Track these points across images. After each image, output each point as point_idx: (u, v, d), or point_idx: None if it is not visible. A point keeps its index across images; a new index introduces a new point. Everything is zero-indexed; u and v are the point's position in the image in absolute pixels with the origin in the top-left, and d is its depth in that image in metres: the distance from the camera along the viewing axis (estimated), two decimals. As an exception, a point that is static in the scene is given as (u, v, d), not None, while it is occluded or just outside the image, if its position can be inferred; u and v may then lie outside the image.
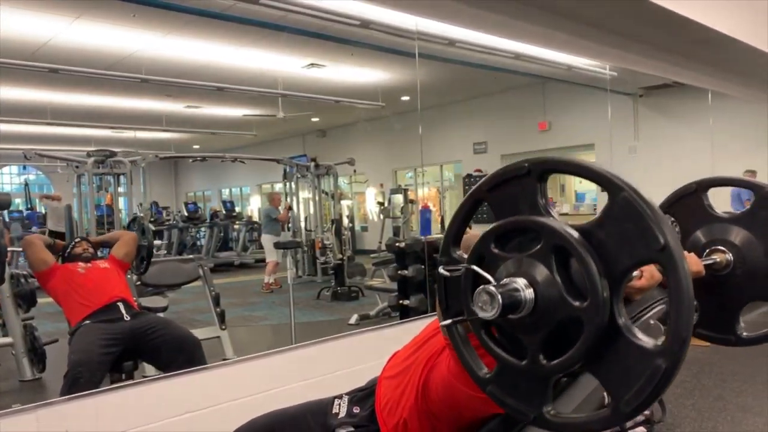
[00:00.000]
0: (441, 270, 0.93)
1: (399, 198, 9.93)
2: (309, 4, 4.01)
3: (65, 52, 6.65)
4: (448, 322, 0.92)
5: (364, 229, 12.79)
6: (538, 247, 0.80)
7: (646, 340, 0.75)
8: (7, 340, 3.99)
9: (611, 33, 4.65)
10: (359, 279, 7.54)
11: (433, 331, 1.35)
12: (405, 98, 9.18)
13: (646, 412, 2.92)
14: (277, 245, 7.31)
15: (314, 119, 11.95)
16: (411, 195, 9.87)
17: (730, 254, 1.23)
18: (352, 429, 1.38)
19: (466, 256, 0.91)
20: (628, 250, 0.76)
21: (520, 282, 0.79)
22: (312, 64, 7.95)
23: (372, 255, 8.98)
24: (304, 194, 9.81)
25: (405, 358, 1.40)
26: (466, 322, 0.90)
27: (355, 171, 10.13)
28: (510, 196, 0.87)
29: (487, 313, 0.79)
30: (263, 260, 8.66)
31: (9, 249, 3.80)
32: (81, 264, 3.16)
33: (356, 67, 8.10)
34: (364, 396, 1.45)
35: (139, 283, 4.01)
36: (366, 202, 13.16)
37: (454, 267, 0.91)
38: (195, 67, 7.62)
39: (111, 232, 3.76)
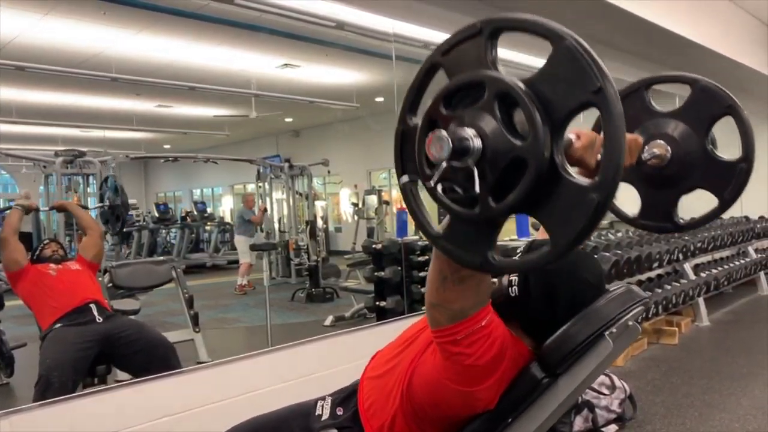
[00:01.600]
0: (396, 133, 0.95)
1: (373, 199, 9.94)
2: (285, 5, 3.99)
3: (33, 49, 6.50)
4: (405, 179, 0.94)
5: (338, 230, 12.77)
6: (484, 97, 0.83)
7: (581, 179, 0.79)
8: (-26, 344, 3.90)
9: (585, 39, 4.74)
10: (334, 280, 7.52)
11: (418, 332, 1.35)
12: (379, 99, 9.20)
13: (618, 410, 2.99)
14: (253, 247, 7.26)
15: (288, 119, 11.89)
16: (385, 196, 9.89)
17: (669, 146, 1.27)
18: (335, 430, 1.36)
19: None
20: (568, 94, 0.79)
21: (469, 131, 0.81)
22: (286, 65, 7.91)
23: (346, 256, 8.98)
24: (278, 195, 9.75)
25: (389, 359, 1.40)
26: (419, 182, 0.93)
27: (329, 172, 10.10)
28: (463, 57, 0.88)
29: (440, 156, 0.82)
30: (236, 262, 8.59)
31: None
32: (52, 266, 3.10)
33: (331, 68, 8.08)
34: (346, 396, 1.44)
35: (110, 285, 3.95)
36: (340, 203, 13.14)
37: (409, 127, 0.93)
38: (167, 66, 7.51)
39: (83, 212, 3.65)
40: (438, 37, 4.72)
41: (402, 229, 4.93)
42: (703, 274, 5.36)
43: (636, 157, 1.20)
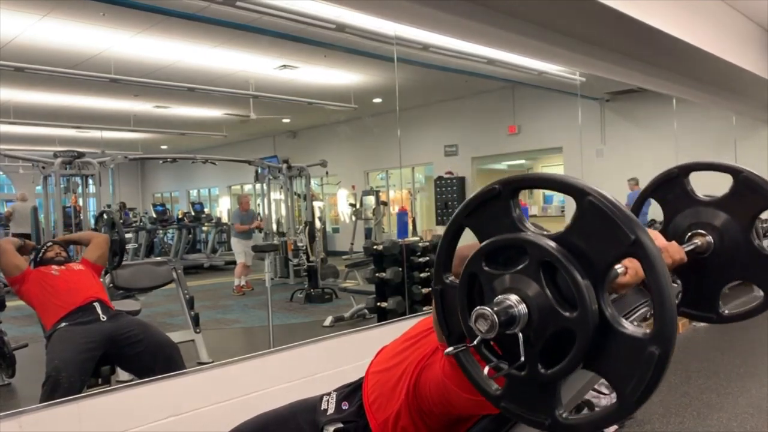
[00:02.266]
0: (435, 293, 0.97)
1: (371, 200, 9.97)
2: (285, 7, 4.01)
3: (32, 50, 6.51)
4: (452, 350, 0.95)
5: (336, 230, 12.78)
6: (526, 263, 0.84)
7: (636, 330, 0.79)
8: (-25, 345, 3.90)
9: (581, 41, 4.77)
10: (332, 281, 7.54)
11: (426, 330, 1.38)
12: (377, 100, 9.22)
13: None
14: (255, 248, 7.27)
15: (285, 120, 11.90)
16: (383, 197, 9.91)
17: (711, 237, 1.28)
18: (341, 425, 1.38)
19: (456, 279, 0.95)
20: (604, 249, 0.80)
21: (513, 298, 0.83)
22: (284, 66, 7.93)
23: (344, 257, 9.00)
24: (276, 196, 9.76)
25: (395, 354, 1.42)
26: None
27: (327, 173, 10.12)
28: (487, 217, 0.91)
29: (486, 334, 0.83)
30: (233, 262, 8.60)
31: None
32: (54, 267, 3.12)
33: (329, 69, 8.11)
34: (351, 391, 1.46)
35: (111, 285, 3.97)
36: (338, 203, 13.16)
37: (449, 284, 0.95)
38: (165, 67, 7.52)
39: (81, 232, 3.71)
40: (436, 38, 4.76)
41: (402, 230, 4.96)
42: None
43: (676, 264, 1.18)
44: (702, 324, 5.22)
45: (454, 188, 11.02)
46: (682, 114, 7.68)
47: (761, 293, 1.27)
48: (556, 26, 4.42)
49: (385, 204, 9.64)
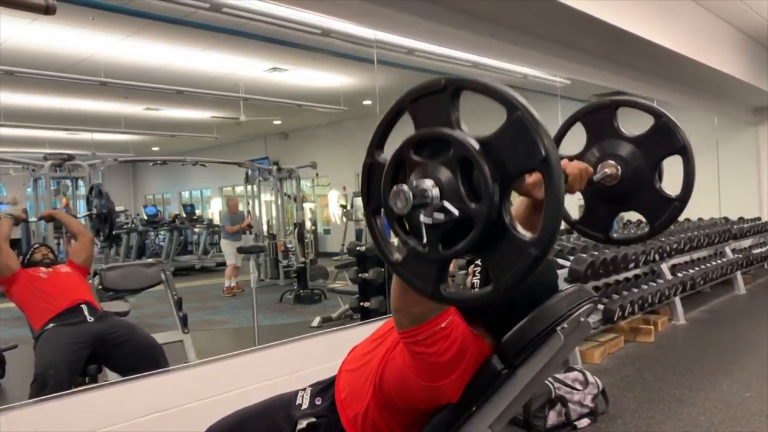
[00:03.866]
0: (364, 167, 1.07)
1: (358, 200, 10.03)
2: (270, 13, 4.08)
3: (21, 54, 6.54)
4: (368, 211, 1.05)
5: (327, 232, 12.84)
6: (448, 155, 0.94)
7: (524, 234, 0.90)
8: (-34, 346, 3.96)
9: (561, 45, 4.88)
10: (322, 282, 7.60)
11: (390, 330, 1.46)
12: (367, 102, 9.29)
13: (590, 405, 3.12)
14: (240, 250, 7.34)
15: (276, 122, 11.95)
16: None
17: (619, 168, 1.39)
18: (314, 419, 1.46)
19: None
20: (518, 159, 0.91)
21: (428, 183, 0.93)
22: (274, 68, 7.99)
23: (335, 258, 9.07)
24: (267, 197, 9.82)
25: (364, 354, 1.51)
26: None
27: (317, 174, 10.19)
28: (428, 108, 1.00)
29: (401, 209, 0.93)
30: (224, 264, 8.66)
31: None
32: (42, 269, 3.19)
33: (318, 72, 8.17)
34: (324, 387, 1.55)
35: (100, 287, 4.02)
36: (329, 205, 13.22)
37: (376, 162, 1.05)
38: (155, 70, 7.57)
39: (72, 218, 3.76)
40: (421, 43, 4.85)
41: (387, 232, 5.04)
42: (680, 274, 5.51)
43: (584, 184, 1.30)
44: (681, 322, 5.34)
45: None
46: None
47: (648, 226, 1.42)
48: (536, 32, 4.53)
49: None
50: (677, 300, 5.36)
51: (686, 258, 5.98)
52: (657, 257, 5.13)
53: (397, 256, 1.03)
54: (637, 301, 4.51)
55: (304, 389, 1.59)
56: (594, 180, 1.36)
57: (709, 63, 5.60)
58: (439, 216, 0.92)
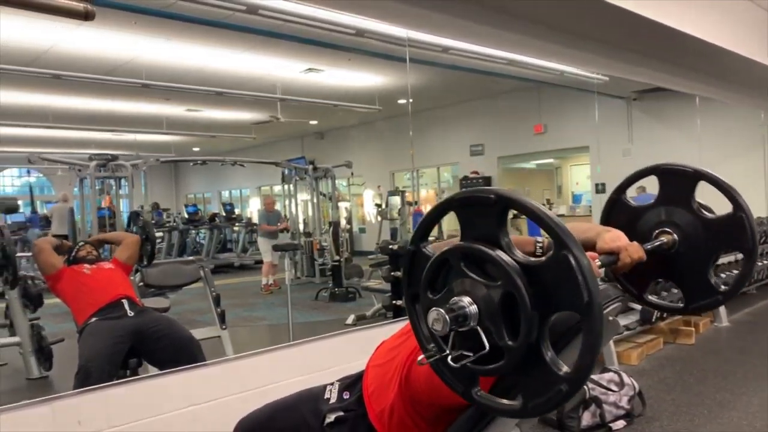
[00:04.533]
0: (408, 252, 1.11)
1: (396, 200, 10.06)
2: (305, 14, 4.15)
3: (68, 58, 6.79)
4: (408, 296, 1.10)
5: (362, 230, 12.92)
6: (497, 283, 0.96)
7: (560, 365, 0.93)
8: (15, 339, 4.14)
9: (600, 43, 4.79)
10: (356, 280, 7.66)
11: None
12: (401, 101, 9.31)
13: (626, 407, 3.07)
14: (276, 247, 7.44)
15: (312, 122, 12.09)
16: (408, 197, 9.99)
17: (677, 241, 1.36)
18: (342, 413, 1.48)
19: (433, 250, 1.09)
20: (560, 297, 0.92)
21: (466, 300, 0.96)
22: (310, 69, 8.09)
23: (370, 256, 9.12)
24: (303, 196, 9.94)
25: (391, 349, 1.52)
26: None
27: (352, 173, 10.26)
28: (475, 215, 1.02)
29: (440, 331, 0.97)
30: (262, 261, 8.80)
31: (19, 255, 3.93)
32: (86, 266, 3.31)
33: (353, 72, 8.24)
34: (352, 382, 1.56)
35: (141, 284, 4.14)
36: (364, 204, 13.29)
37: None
38: (195, 72, 7.75)
39: (114, 232, 3.92)
40: (454, 41, 4.84)
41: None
42: (722, 275, 5.35)
43: (642, 255, 1.28)
44: (724, 324, 5.19)
45: (481, 189, 11.03)
46: (705, 112, 7.60)
47: (682, 302, 1.41)
48: (573, 29, 4.45)
49: (411, 204, 9.73)
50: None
51: (730, 258, 5.80)
52: (698, 257, 4.99)
53: (433, 346, 1.04)
54: (676, 302, 4.39)
55: (332, 383, 1.61)
56: (651, 251, 1.33)
57: (754, 57, 5.41)
58: (469, 353, 0.96)
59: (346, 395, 1.54)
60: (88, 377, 2.56)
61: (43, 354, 4.14)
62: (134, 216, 4.59)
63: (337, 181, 9.82)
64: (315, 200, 9.30)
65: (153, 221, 10.87)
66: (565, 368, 0.92)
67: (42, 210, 11.84)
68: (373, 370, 1.53)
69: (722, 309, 5.24)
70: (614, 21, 4.22)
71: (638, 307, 4.18)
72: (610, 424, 2.97)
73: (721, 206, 1.38)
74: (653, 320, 4.16)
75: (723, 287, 1.36)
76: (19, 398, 2.04)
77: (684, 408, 3.23)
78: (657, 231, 1.39)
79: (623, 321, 4.16)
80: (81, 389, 2.23)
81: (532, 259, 0.97)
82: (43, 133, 10.78)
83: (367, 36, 4.70)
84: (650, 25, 4.25)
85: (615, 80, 7.22)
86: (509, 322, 0.95)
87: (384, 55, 6.17)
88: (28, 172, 15.01)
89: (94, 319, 2.94)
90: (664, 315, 4.27)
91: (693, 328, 4.70)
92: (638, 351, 4.15)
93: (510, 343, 0.94)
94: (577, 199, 12.46)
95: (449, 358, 1.00)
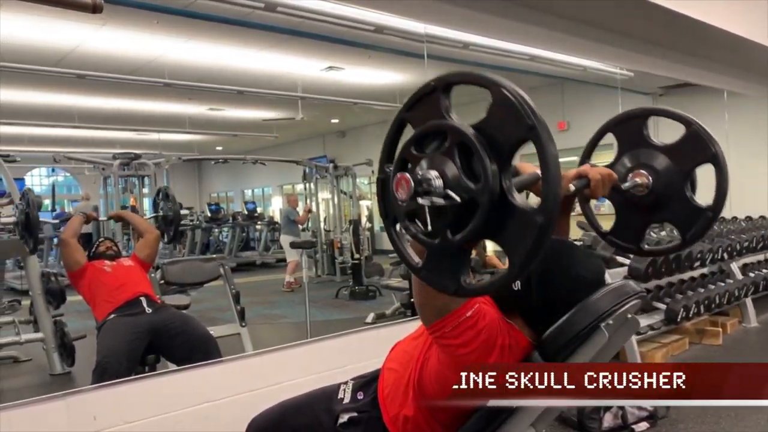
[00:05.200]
0: (378, 181, 1.10)
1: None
2: (323, 11, 4.13)
3: (92, 58, 6.87)
4: (387, 223, 1.08)
5: (383, 229, 12.88)
6: (446, 145, 0.97)
7: (525, 204, 0.92)
8: (39, 335, 4.20)
9: (624, 36, 4.69)
10: (377, 278, 7.63)
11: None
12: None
13: (650, 408, 2.99)
14: (293, 244, 7.46)
15: (334, 120, 12.09)
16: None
17: (650, 177, 1.38)
18: (355, 414, 1.46)
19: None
20: (508, 133, 0.93)
21: (432, 173, 0.95)
22: (330, 67, 8.08)
23: (391, 255, 9.09)
24: (324, 195, 9.95)
25: (404, 352, 1.49)
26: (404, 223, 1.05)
27: (373, 172, 10.23)
28: (423, 111, 1.03)
29: (404, 198, 0.96)
30: (284, 260, 8.82)
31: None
32: (107, 262, 3.34)
33: (374, 70, 8.20)
34: (366, 382, 1.54)
35: (162, 281, 4.17)
36: (385, 202, 13.24)
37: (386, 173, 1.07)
38: (217, 71, 7.79)
39: (137, 216, 3.97)
40: (473, 36, 4.79)
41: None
42: (751, 274, 5.22)
43: (608, 190, 1.32)
44: (753, 325, 5.06)
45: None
46: (733, 106, 7.41)
47: (680, 237, 1.41)
48: (595, 22, 4.37)
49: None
50: (748, 301, 5.07)
51: (759, 257, 5.65)
52: (725, 256, 4.87)
53: (418, 259, 1.04)
54: (702, 301, 4.29)
55: (346, 382, 1.59)
56: (624, 189, 1.36)
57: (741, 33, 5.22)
58: (439, 200, 0.94)
59: (360, 396, 1.52)
60: (105, 373, 2.58)
61: (66, 350, 4.20)
62: (159, 193, 4.62)
63: (358, 180, 9.80)
64: (336, 198, 9.29)
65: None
66: (530, 205, 0.92)
67: (68, 209, 12.04)
68: (388, 372, 1.50)
69: (751, 309, 5.10)
70: (639, 13, 4.14)
71: (662, 306, 4.09)
72: (633, 426, 2.90)
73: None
74: (678, 320, 4.06)
75: (707, 205, 1.39)
76: (43, 393, 2.05)
77: (710, 410, 3.14)
78: (629, 176, 1.40)
79: (647, 321, 4.07)
80: (95, 385, 2.25)
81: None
82: (69, 132, 10.95)
83: (386, 33, 4.66)
84: (675, 17, 4.16)
85: (640, 76, 7.07)
86: (474, 178, 0.94)
87: (403, 52, 6.13)
88: (53, 170, 15.29)
89: (112, 316, 2.97)
90: (690, 314, 4.17)
91: (720, 329, 4.59)
92: (663, 351, 4.06)
93: (473, 186, 0.93)
94: (600, 199, 12.30)
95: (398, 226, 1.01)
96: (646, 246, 1.46)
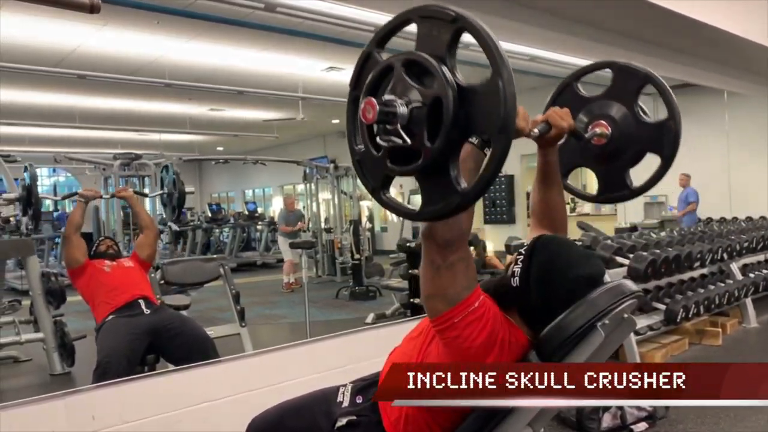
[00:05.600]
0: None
1: (418, 198, 10.00)
2: (322, 11, 4.13)
3: (93, 59, 6.88)
4: (352, 96, 1.15)
5: (384, 229, 12.89)
6: (429, 87, 1.01)
7: (461, 183, 1.01)
8: (39, 335, 4.21)
9: (624, 37, 4.70)
10: (377, 279, 7.64)
11: (424, 328, 1.44)
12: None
13: (649, 408, 2.99)
14: (292, 245, 7.46)
15: (335, 120, 12.10)
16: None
17: (606, 124, 1.46)
18: (354, 418, 1.44)
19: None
20: (481, 119, 0.99)
21: (399, 103, 1.01)
22: (331, 68, 8.09)
23: (391, 255, 9.10)
24: (325, 195, 9.96)
25: (403, 353, 1.49)
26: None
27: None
28: (432, 32, 1.05)
29: (369, 119, 1.01)
30: (284, 260, 8.84)
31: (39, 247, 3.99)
32: (107, 262, 3.34)
33: (374, 70, 8.21)
34: (366, 386, 1.52)
35: (162, 281, 4.18)
36: (386, 202, 13.24)
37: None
38: (217, 71, 7.80)
39: (142, 209, 3.94)
40: (469, 38, 4.80)
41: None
42: (751, 275, 5.22)
43: (569, 125, 1.38)
44: (753, 325, 5.05)
45: (503, 186, 10.95)
46: (733, 107, 7.41)
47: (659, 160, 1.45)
48: (597, 23, 4.38)
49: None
50: (748, 302, 5.07)
51: (759, 257, 5.65)
52: (725, 256, 4.87)
53: (361, 146, 1.10)
54: (702, 301, 4.29)
55: (345, 385, 1.58)
56: (587, 138, 1.45)
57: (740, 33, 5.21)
58: (396, 140, 1.01)
59: (359, 399, 1.51)
60: (106, 374, 2.59)
61: (66, 350, 4.20)
62: (165, 169, 4.62)
63: (358, 180, 9.80)
64: (336, 199, 9.30)
65: (177, 219, 10.99)
66: (464, 185, 1.00)
67: (69, 209, 12.05)
68: None
69: (751, 310, 5.10)
70: (639, 14, 4.14)
71: (662, 306, 4.09)
72: (632, 426, 2.90)
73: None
74: (678, 320, 4.06)
75: (635, 185, 1.48)
76: (43, 393, 2.05)
77: (709, 410, 3.14)
78: (595, 122, 1.47)
79: (647, 321, 4.07)
80: (94, 385, 2.25)
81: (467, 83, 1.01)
82: (70, 133, 10.98)
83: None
84: (675, 17, 4.16)
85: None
86: (431, 130, 0.99)
87: (404, 52, 6.14)
88: (54, 171, 15.31)
89: (111, 317, 2.98)
90: (690, 315, 4.16)
91: (720, 329, 4.58)
92: (662, 352, 4.05)
93: (428, 144, 0.99)
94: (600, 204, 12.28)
95: (372, 149, 1.06)
96: (634, 185, 1.51)
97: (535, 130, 1.33)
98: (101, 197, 3.56)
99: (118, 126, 10.98)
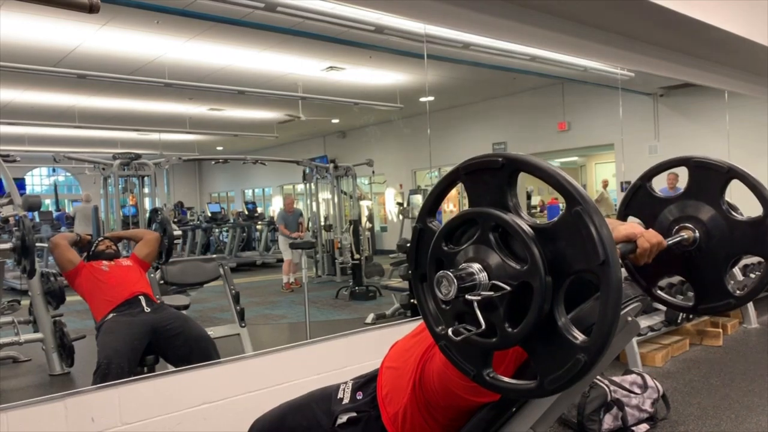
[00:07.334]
0: (415, 230, 1.07)
1: (418, 198, 10.01)
2: (323, 10, 4.12)
3: (92, 58, 6.87)
4: (416, 277, 1.05)
5: (384, 229, 12.88)
6: (478, 233, 0.93)
7: (576, 334, 0.86)
8: (38, 335, 4.20)
9: (625, 37, 4.68)
10: (377, 279, 7.63)
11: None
12: (423, 99, 9.26)
13: (649, 410, 2.98)
14: (292, 245, 7.46)
15: (334, 121, 12.09)
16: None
17: (693, 227, 1.31)
18: (354, 414, 1.45)
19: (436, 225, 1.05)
20: (574, 257, 0.86)
21: (475, 267, 0.91)
22: (331, 67, 8.08)
23: (391, 255, 9.09)
24: (325, 195, 9.95)
25: (404, 351, 1.48)
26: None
27: (374, 172, 10.23)
28: (483, 183, 0.97)
29: (446, 294, 0.91)
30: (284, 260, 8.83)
31: (38, 245, 3.99)
32: (105, 262, 3.33)
33: (374, 70, 8.20)
34: (365, 382, 1.53)
35: (162, 282, 4.17)
36: (386, 202, 13.26)
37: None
38: (217, 71, 7.79)
39: (135, 229, 3.95)
40: (475, 36, 4.77)
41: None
42: (752, 275, 5.20)
43: (662, 242, 1.22)
44: (754, 326, 5.04)
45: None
46: (734, 107, 7.40)
47: (693, 301, 1.33)
48: (596, 22, 4.36)
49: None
50: (749, 303, 5.06)
51: (759, 258, 5.63)
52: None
53: (442, 327, 1.00)
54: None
55: (345, 383, 1.59)
56: (671, 246, 1.27)
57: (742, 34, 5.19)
58: (487, 293, 0.89)
59: (359, 396, 1.51)
60: (108, 374, 2.58)
61: (65, 350, 4.19)
62: (154, 213, 4.62)
63: (358, 180, 9.80)
64: (336, 199, 9.29)
65: (177, 219, 10.99)
66: (582, 336, 0.85)
67: (69, 209, 12.05)
68: (387, 371, 1.50)
69: (752, 310, 5.09)
70: (639, 14, 4.12)
71: (663, 307, 4.08)
72: (633, 428, 2.89)
73: (746, 204, 1.32)
74: (679, 321, 4.05)
75: (738, 292, 1.30)
76: (42, 394, 2.04)
77: (710, 412, 3.14)
78: (678, 225, 1.32)
79: (648, 321, 4.06)
80: (94, 386, 2.24)
81: (539, 221, 0.92)
82: (69, 132, 10.96)
83: (386, 33, 4.66)
84: (675, 17, 4.14)
85: (640, 76, 7.06)
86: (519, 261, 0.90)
87: (404, 52, 6.13)
88: (54, 170, 15.29)
89: (111, 315, 2.96)
90: (690, 316, 4.16)
91: (720, 330, 4.57)
92: (663, 353, 4.04)
93: (520, 268, 0.88)
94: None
95: (450, 330, 0.95)
96: (738, 291, 1.35)
97: (617, 249, 1.24)
98: (88, 247, 3.49)
99: (118, 126, 10.97)
